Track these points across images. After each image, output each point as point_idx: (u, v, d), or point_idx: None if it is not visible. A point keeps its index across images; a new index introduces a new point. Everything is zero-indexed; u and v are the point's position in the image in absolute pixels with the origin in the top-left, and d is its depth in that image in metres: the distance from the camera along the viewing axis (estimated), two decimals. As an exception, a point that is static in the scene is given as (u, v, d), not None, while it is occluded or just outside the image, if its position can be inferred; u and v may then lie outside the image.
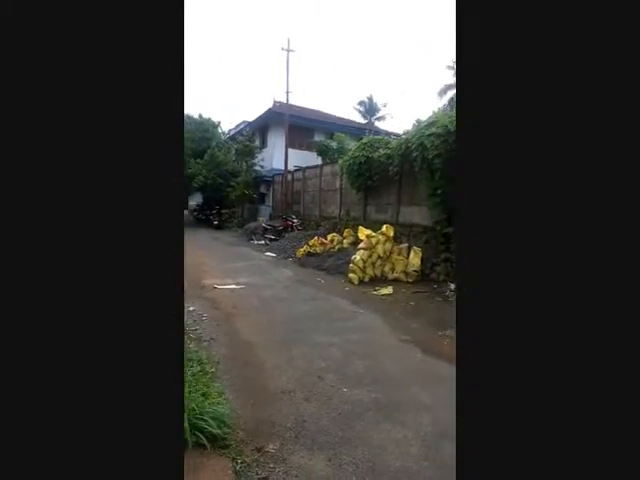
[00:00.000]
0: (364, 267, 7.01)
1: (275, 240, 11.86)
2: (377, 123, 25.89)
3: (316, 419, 2.44)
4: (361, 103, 27.03)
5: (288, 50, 15.18)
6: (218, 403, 2.27)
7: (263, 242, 12.26)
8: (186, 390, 2.29)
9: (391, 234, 7.30)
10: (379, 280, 6.97)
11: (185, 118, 22.13)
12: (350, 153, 9.53)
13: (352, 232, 9.07)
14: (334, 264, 8.05)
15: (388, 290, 6.29)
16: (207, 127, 21.10)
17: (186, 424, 2.00)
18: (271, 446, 2.14)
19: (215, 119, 21.80)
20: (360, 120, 25.40)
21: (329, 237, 9.44)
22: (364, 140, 9.24)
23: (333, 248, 9.06)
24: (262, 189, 18.55)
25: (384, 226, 7.39)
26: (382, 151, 8.47)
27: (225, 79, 72.90)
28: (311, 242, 9.42)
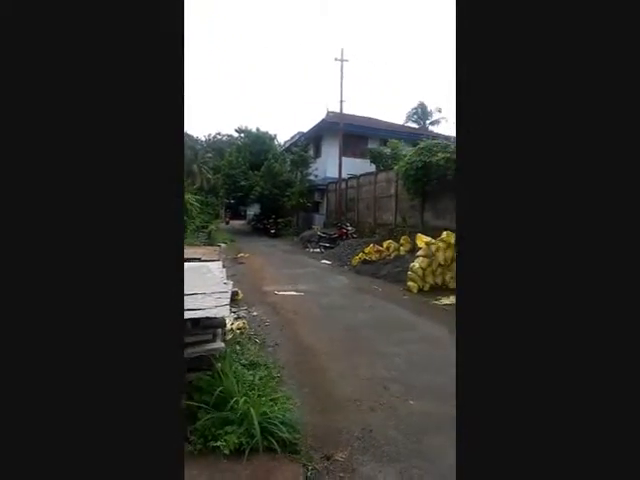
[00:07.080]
0: (424, 275, 6.80)
1: (330, 248, 11.93)
2: (431, 127, 25.20)
3: (384, 430, 2.38)
4: (414, 109, 26.43)
5: (342, 60, 15.35)
6: (287, 409, 2.30)
7: (318, 250, 12.39)
8: (255, 394, 2.36)
9: (452, 241, 6.99)
10: (440, 289, 6.72)
11: (244, 132, 23.34)
12: (406, 158, 9.36)
13: (409, 239, 8.85)
14: (391, 272, 7.92)
15: (450, 300, 6.02)
16: (264, 140, 22.06)
17: (257, 427, 2.05)
18: (340, 455, 2.13)
19: (272, 132, 22.79)
20: (413, 125, 24.88)
21: (385, 244, 9.29)
22: (421, 145, 9.04)
23: (389, 255, 8.91)
24: (316, 198, 18.79)
25: (444, 232, 7.11)
26: (441, 155, 8.23)
27: (281, 92, 75.53)
28: (366, 249, 9.34)
